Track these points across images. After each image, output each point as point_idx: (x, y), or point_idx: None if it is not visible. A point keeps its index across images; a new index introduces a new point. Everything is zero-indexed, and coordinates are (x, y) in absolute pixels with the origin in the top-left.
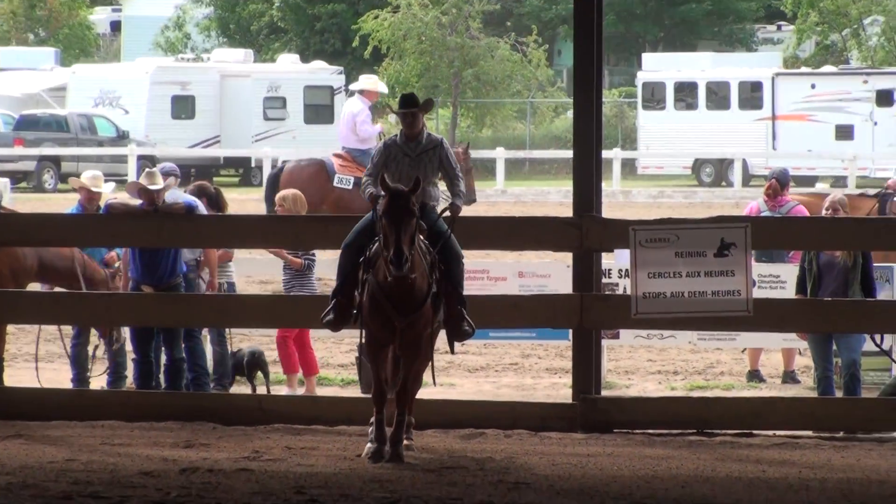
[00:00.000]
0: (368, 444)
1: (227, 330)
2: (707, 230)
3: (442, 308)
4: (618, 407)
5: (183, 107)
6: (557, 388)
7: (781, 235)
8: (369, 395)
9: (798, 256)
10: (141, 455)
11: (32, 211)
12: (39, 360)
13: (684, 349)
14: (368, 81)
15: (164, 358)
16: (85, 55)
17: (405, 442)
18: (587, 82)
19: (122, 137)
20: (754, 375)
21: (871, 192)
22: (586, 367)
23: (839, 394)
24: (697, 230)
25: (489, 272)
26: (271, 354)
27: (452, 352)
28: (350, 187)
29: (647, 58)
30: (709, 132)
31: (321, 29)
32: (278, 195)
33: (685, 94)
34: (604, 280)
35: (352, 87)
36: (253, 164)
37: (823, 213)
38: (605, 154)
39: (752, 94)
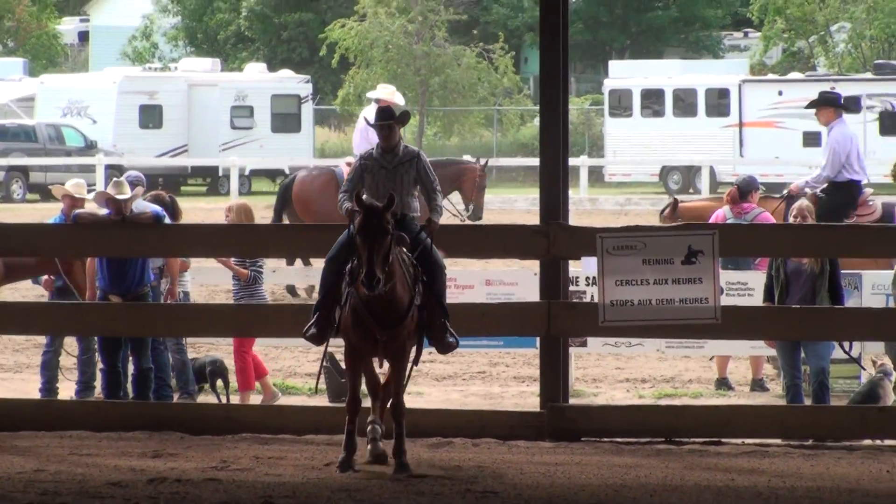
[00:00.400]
0: (342, 454)
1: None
2: (674, 237)
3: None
4: (586, 415)
5: (151, 116)
6: (525, 397)
7: (749, 242)
8: (337, 405)
9: (764, 263)
10: (109, 465)
11: None
12: (7, 370)
13: (652, 357)
14: (385, 91)
15: (132, 368)
16: (53, 65)
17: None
18: (553, 90)
19: (90, 147)
20: (722, 383)
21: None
22: (554, 376)
23: (808, 402)
24: (665, 237)
25: (456, 280)
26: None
27: (416, 363)
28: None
29: (614, 65)
30: (676, 139)
31: (288, 38)
32: (227, 205)
33: (652, 101)
34: (571, 288)
35: (368, 94)
36: (220, 174)
37: (791, 219)
38: (572, 161)
39: (719, 101)
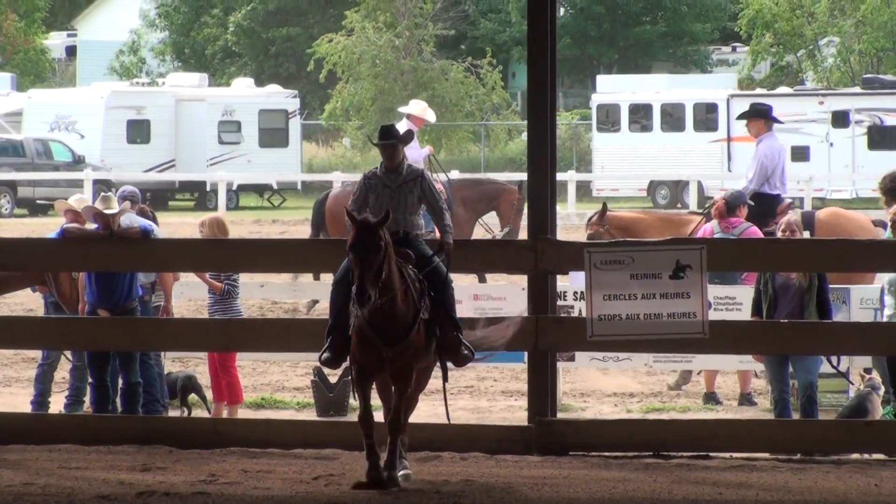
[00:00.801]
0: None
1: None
2: (662, 252)
3: (435, 335)
4: (573, 429)
5: (138, 131)
6: (513, 411)
7: (737, 257)
8: (325, 419)
9: (752, 278)
10: (98, 479)
11: None
12: None
13: (640, 371)
14: (417, 107)
15: (120, 382)
16: (40, 80)
17: (405, 471)
18: (541, 105)
19: (77, 162)
20: (710, 398)
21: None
22: (542, 390)
23: (796, 416)
24: (653, 252)
25: None
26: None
27: (445, 379)
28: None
29: (602, 80)
30: (664, 154)
31: (276, 53)
32: (201, 220)
33: (640, 115)
34: (559, 302)
35: (400, 109)
36: (208, 188)
37: (779, 234)
38: (560, 176)
39: (706, 116)
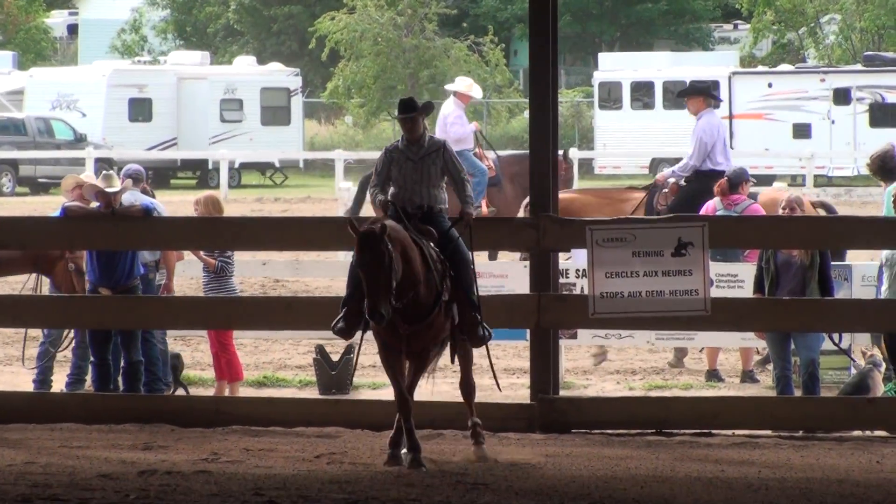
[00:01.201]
0: (403, 452)
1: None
2: (664, 229)
3: (453, 315)
4: (576, 407)
5: (140, 109)
6: (515, 389)
7: (738, 234)
8: (326, 398)
9: (753, 255)
10: (99, 457)
11: None
12: None
13: (642, 349)
14: (463, 84)
15: (122, 360)
16: (42, 59)
17: (477, 450)
18: (543, 83)
19: (79, 140)
20: (713, 375)
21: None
22: (544, 368)
23: (798, 393)
24: (654, 229)
25: None
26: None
27: (452, 361)
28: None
29: (604, 57)
30: (666, 131)
31: (277, 31)
32: (196, 198)
33: (642, 93)
34: (561, 280)
35: (447, 87)
36: (210, 167)
37: (780, 211)
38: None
39: None
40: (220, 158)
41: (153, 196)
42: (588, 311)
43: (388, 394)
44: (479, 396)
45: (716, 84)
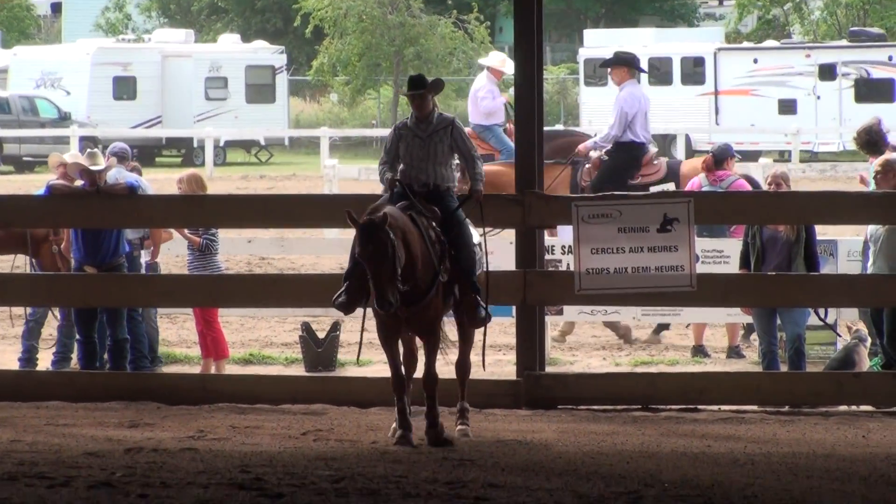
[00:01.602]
0: (394, 426)
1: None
2: (650, 205)
3: (454, 295)
4: (562, 383)
5: (124, 88)
6: (502, 365)
7: (724, 210)
8: (313, 375)
9: (739, 231)
10: (86, 435)
11: None
12: None
13: (628, 325)
14: (496, 59)
15: (108, 338)
16: (26, 37)
17: (461, 427)
18: (528, 60)
19: (63, 119)
20: (699, 350)
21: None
22: (530, 344)
23: (784, 368)
24: (640, 205)
25: None
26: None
27: (467, 340)
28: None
29: (589, 34)
30: (651, 108)
31: (262, 8)
32: (179, 176)
33: None
34: (547, 256)
35: (480, 61)
36: (195, 145)
37: (766, 187)
38: (548, 131)
39: (694, 70)
40: (205, 136)
41: (141, 174)
42: (574, 287)
43: (374, 371)
44: None
45: (701, 60)
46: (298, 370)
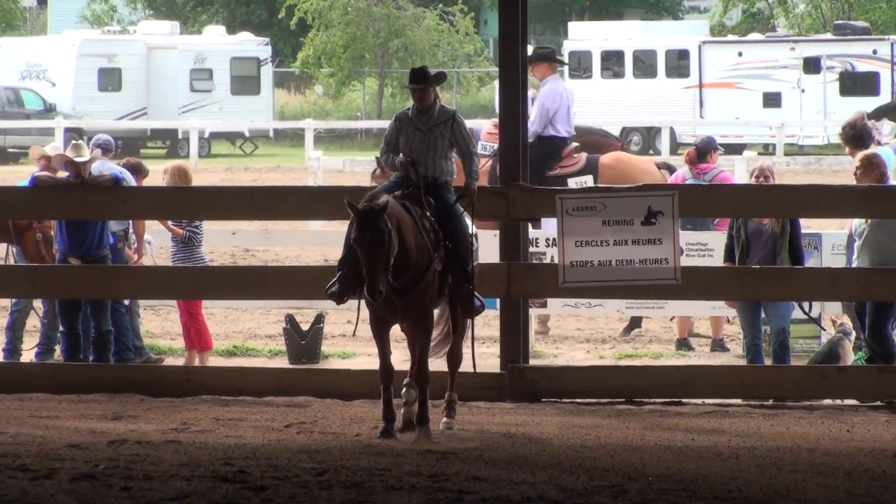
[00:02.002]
0: (380, 421)
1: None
2: (634, 198)
3: (448, 285)
4: (546, 376)
5: (110, 79)
6: (485, 358)
7: (709, 203)
8: (296, 367)
9: (724, 224)
10: (69, 427)
11: None
12: None
13: (612, 318)
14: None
15: (92, 330)
16: (11, 29)
17: (447, 420)
18: (512, 52)
19: (49, 110)
20: (683, 344)
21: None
22: (514, 337)
23: (768, 362)
24: (625, 198)
25: None
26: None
27: (465, 327)
28: (489, 153)
29: (574, 26)
30: (636, 100)
31: (247, 0)
32: (164, 167)
33: (612, 62)
34: (531, 249)
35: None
36: (180, 136)
37: (752, 180)
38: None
39: (679, 63)
40: (190, 128)
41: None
42: (558, 280)
43: (357, 363)
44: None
45: (686, 53)
46: (282, 362)
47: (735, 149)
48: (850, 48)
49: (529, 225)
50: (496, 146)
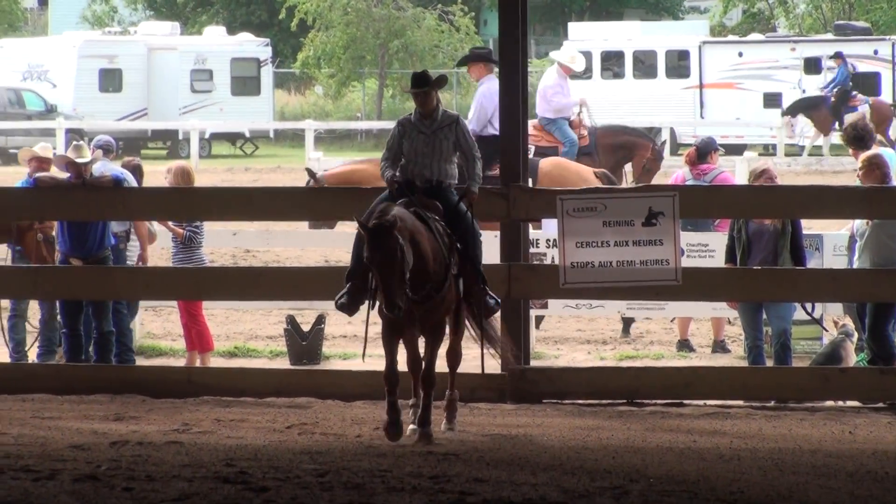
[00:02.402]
0: (384, 423)
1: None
2: (635, 199)
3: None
4: (547, 377)
5: (110, 80)
6: (486, 359)
7: (709, 204)
8: (297, 368)
9: (725, 225)
10: (71, 428)
11: None
12: None
13: (613, 319)
14: (565, 56)
15: (93, 331)
16: (13, 29)
17: (447, 423)
18: (512, 53)
19: (50, 111)
20: (684, 345)
21: None
22: (515, 338)
23: (770, 363)
24: (625, 199)
25: None
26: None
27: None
28: (531, 156)
29: (574, 27)
30: (636, 101)
31: (247, 1)
32: (167, 167)
33: (612, 63)
34: (532, 250)
35: (551, 55)
36: (180, 137)
37: (754, 182)
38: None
39: (679, 63)
40: (191, 129)
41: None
42: (559, 281)
43: (357, 364)
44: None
45: (686, 53)
46: (283, 363)
47: (736, 149)
48: (851, 48)
49: (530, 226)
50: (533, 147)
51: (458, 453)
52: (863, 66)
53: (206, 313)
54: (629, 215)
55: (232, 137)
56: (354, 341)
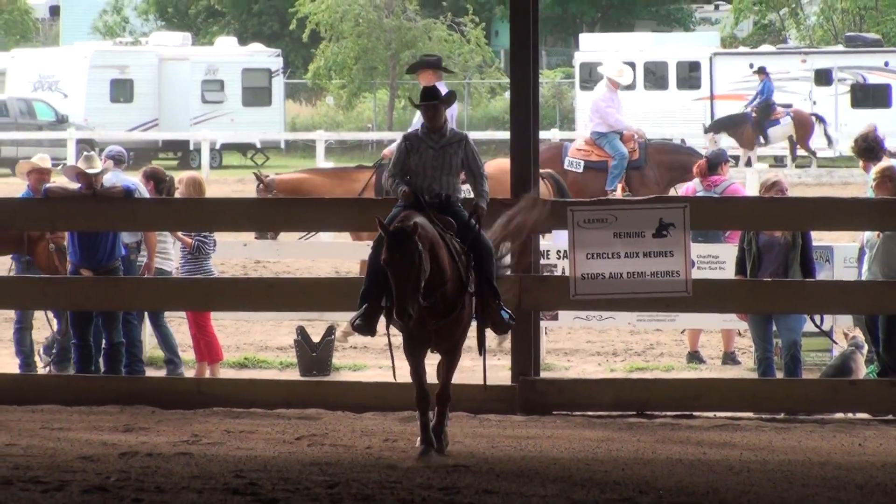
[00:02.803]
0: (418, 444)
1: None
2: (645, 210)
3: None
4: (557, 389)
5: (122, 90)
6: (496, 371)
7: (720, 215)
8: (308, 379)
9: (735, 236)
10: (80, 439)
11: None
12: None
13: (623, 330)
14: (613, 70)
15: (103, 342)
16: (24, 40)
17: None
18: (523, 64)
19: (61, 121)
20: (694, 356)
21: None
22: (525, 349)
23: (780, 375)
24: (636, 210)
25: None
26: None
27: (482, 345)
28: (580, 170)
29: (585, 38)
30: (647, 112)
31: (259, 11)
32: (179, 177)
33: None
34: (542, 261)
35: (600, 70)
36: (191, 147)
37: (765, 193)
38: (543, 135)
39: (690, 74)
40: (202, 139)
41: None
42: (569, 292)
43: (367, 375)
44: (461, 378)
45: (697, 65)
46: (293, 374)
47: (746, 161)
48: (862, 60)
49: (540, 236)
50: (583, 162)
51: (467, 465)
52: (873, 78)
53: (217, 324)
54: (640, 227)
55: (243, 148)
56: (364, 352)
